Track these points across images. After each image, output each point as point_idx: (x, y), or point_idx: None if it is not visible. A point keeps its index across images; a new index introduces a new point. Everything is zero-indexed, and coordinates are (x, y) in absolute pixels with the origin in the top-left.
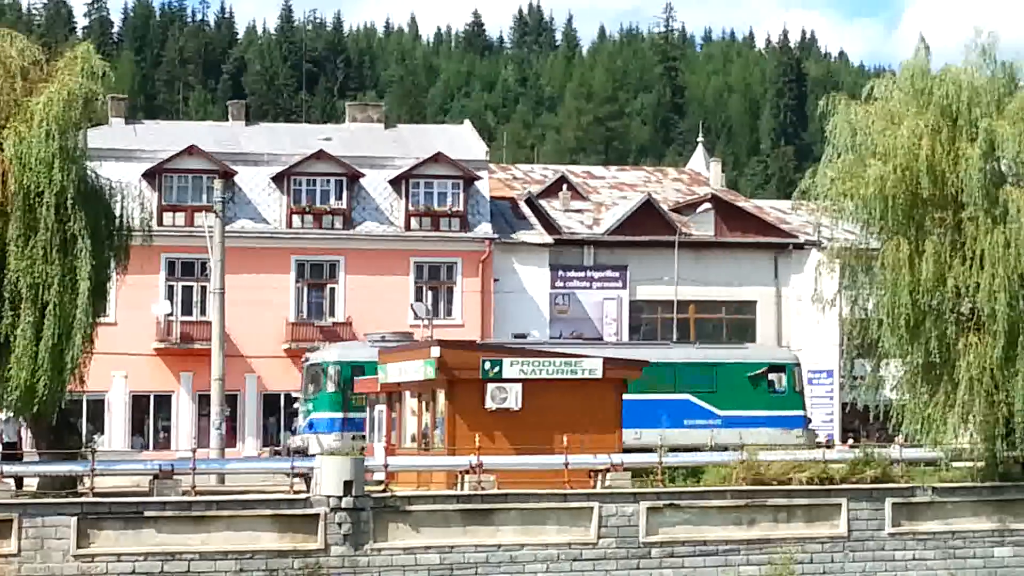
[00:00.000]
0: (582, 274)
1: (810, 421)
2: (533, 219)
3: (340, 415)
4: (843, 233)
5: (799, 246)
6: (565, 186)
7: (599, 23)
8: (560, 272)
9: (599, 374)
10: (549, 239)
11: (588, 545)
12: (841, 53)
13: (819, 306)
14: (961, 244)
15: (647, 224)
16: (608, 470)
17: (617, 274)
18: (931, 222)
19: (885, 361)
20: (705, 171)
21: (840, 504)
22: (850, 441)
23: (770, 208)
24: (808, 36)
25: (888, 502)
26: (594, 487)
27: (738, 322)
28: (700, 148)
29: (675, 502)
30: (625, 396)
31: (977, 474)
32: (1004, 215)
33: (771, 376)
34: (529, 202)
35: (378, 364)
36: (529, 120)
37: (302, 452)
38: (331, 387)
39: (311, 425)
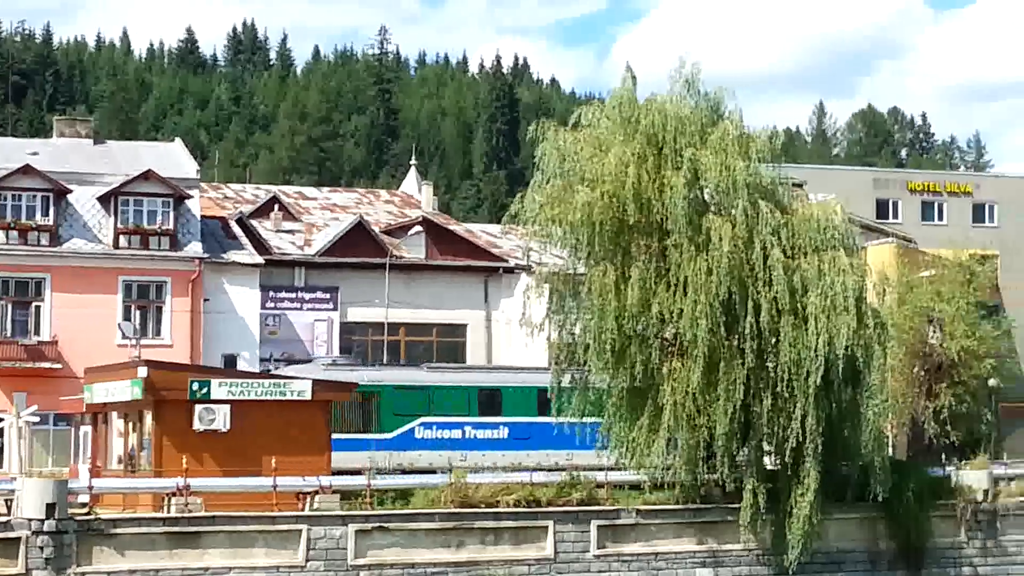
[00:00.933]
0: (293, 295)
1: None
2: (244, 239)
3: None
4: (552, 258)
5: (509, 270)
6: (277, 206)
7: (314, 43)
8: (271, 293)
9: (308, 396)
10: (260, 260)
11: (296, 568)
12: (553, 80)
13: (528, 330)
14: (666, 271)
15: (359, 246)
16: (317, 492)
17: (328, 296)
18: (637, 249)
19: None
20: (417, 194)
21: (547, 526)
22: None
23: (481, 232)
24: (521, 62)
25: (593, 524)
26: (303, 509)
27: (448, 345)
28: (413, 171)
29: (384, 525)
30: (559, 420)
31: (680, 497)
32: (707, 243)
33: None
34: (240, 222)
35: (83, 384)
36: (242, 139)
37: None
38: None
39: None
